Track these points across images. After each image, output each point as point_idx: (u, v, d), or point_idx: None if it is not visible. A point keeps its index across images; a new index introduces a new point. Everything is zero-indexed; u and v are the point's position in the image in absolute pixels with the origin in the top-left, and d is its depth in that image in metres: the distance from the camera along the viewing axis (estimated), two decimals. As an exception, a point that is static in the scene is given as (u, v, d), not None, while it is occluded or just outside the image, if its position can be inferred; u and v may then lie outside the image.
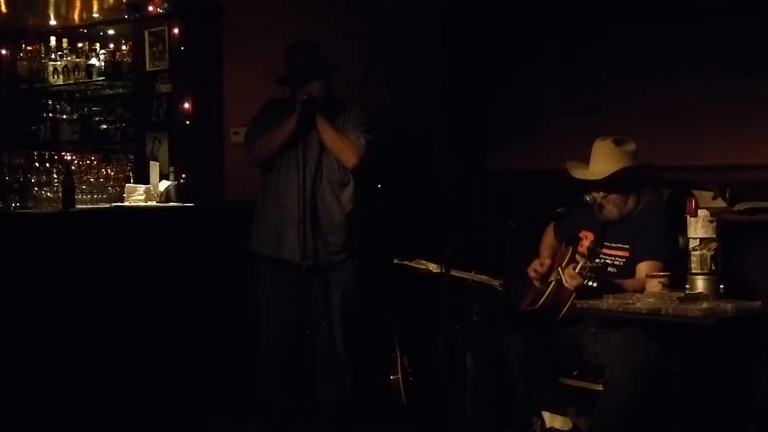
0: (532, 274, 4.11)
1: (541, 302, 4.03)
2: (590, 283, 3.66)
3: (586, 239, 4.03)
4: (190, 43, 5.68)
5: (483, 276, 4.20)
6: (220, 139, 5.75)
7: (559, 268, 3.99)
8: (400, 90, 5.26)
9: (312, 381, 4.34)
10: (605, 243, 3.99)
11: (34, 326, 4.33)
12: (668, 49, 4.47)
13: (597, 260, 3.78)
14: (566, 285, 3.85)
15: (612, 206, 3.97)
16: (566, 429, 3.95)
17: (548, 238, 4.31)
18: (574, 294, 3.81)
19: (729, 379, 4.10)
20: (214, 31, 5.75)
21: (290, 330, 4.37)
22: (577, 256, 3.93)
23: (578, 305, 3.69)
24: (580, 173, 4.04)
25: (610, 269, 3.93)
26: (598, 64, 4.72)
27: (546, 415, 3.98)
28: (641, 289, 3.71)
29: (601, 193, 3.96)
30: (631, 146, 4.01)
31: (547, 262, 4.12)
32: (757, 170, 4.17)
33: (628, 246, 3.94)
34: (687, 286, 3.60)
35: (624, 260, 3.94)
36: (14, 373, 4.25)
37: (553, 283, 4.01)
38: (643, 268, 3.84)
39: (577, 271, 3.71)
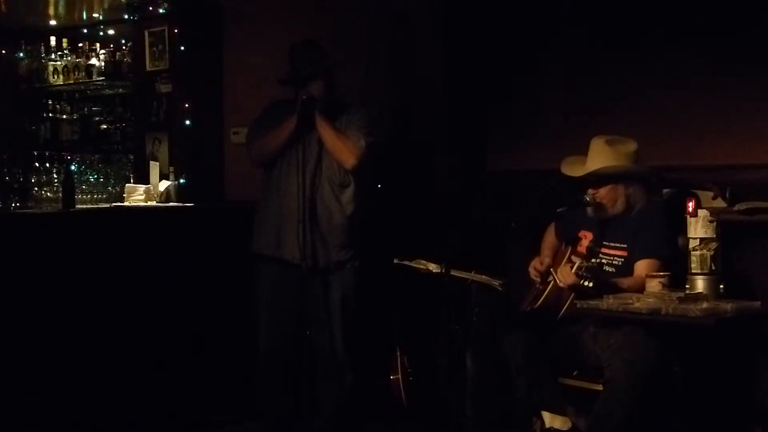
0: (532, 272, 4.12)
1: (540, 302, 4.04)
2: (586, 283, 3.67)
3: (586, 239, 4.05)
4: (190, 43, 5.67)
5: (483, 276, 4.20)
6: (220, 139, 5.75)
7: (552, 270, 4.00)
8: (400, 90, 5.26)
9: (312, 381, 4.34)
10: (604, 242, 4.00)
11: (35, 326, 4.33)
12: (668, 49, 4.47)
13: (593, 260, 3.78)
14: (560, 284, 3.86)
15: (601, 203, 3.99)
16: (566, 429, 3.95)
17: (549, 238, 4.31)
18: (574, 293, 3.81)
19: (729, 379, 4.10)
20: (214, 31, 5.75)
21: (290, 330, 4.37)
22: (573, 257, 3.94)
23: (578, 305, 3.69)
24: (566, 169, 4.08)
25: (608, 269, 3.94)
26: (598, 64, 4.72)
27: (546, 415, 3.98)
28: (638, 288, 3.71)
29: (590, 190, 3.99)
30: (627, 146, 4.01)
31: (547, 261, 4.13)
32: (757, 170, 4.17)
33: (626, 245, 3.94)
34: (687, 286, 3.60)
35: (622, 260, 3.94)
36: (15, 373, 4.25)
37: (552, 282, 4.01)
38: (641, 266, 3.85)
39: (573, 271, 3.72)
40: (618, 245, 3.97)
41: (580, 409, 3.93)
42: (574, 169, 4.08)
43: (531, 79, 4.99)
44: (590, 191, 4.00)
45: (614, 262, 3.96)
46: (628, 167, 3.98)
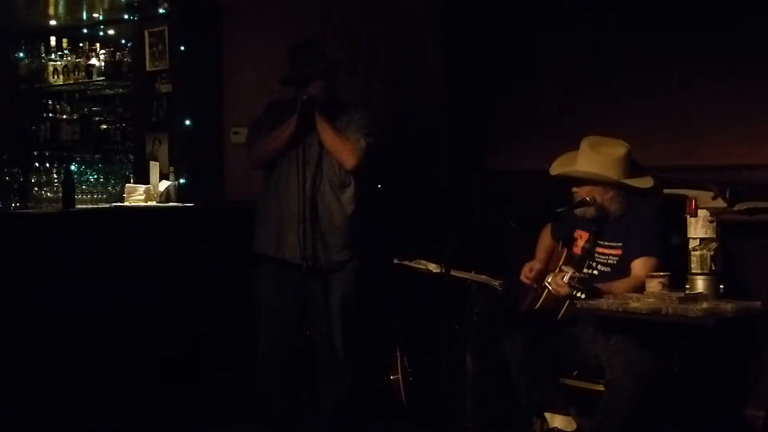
0: (523, 278, 4.13)
1: (539, 304, 4.04)
2: (579, 294, 3.66)
3: (581, 239, 4.05)
4: (190, 43, 5.67)
5: (483, 276, 4.19)
6: (220, 139, 5.75)
7: (552, 274, 3.99)
8: (400, 90, 5.27)
9: (312, 381, 4.34)
10: (599, 242, 4.00)
11: (35, 327, 4.33)
12: (668, 49, 4.47)
13: (586, 270, 3.78)
14: (554, 293, 3.85)
15: (602, 204, 3.99)
16: (569, 430, 3.95)
17: (545, 239, 4.31)
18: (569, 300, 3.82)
19: (729, 379, 4.10)
20: (214, 31, 5.75)
21: (290, 330, 4.38)
22: (564, 267, 3.92)
23: (578, 305, 3.69)
24: (554, 166, 4.12)
25: (603, 268, 3.95)
26: (598, 64, 4.72)
27: (548, 415, 3.98)
28: (635, 288, 3.70)
29: (574, 188, 4.00)
30: (613, 150, 3.95)
31: (538, 266, 4.13)
32: (757, 170, 4.17)
33: (620, 244, 3.94)
34: (687, 286, 3.60)
35: (617, 259, 3.94)
36: (14, 374, 4.25)
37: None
38: (637, 265, 3.85)
39: (566, 281, 3.70)
40: (613, 245, 3.97)
41: (581, 409, 3.93)
42: (557, 167, 4.10)
43: (531, 79, 4.99)
44: (573, 189, 4.01)
45: (609, 261, 3.96)
46: (595, 174, 3.92)
